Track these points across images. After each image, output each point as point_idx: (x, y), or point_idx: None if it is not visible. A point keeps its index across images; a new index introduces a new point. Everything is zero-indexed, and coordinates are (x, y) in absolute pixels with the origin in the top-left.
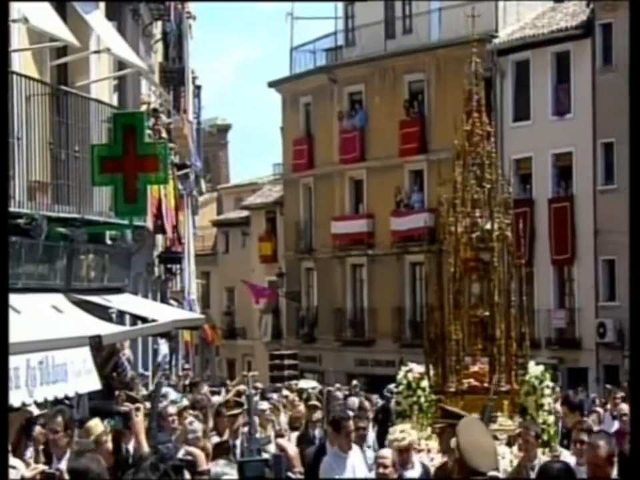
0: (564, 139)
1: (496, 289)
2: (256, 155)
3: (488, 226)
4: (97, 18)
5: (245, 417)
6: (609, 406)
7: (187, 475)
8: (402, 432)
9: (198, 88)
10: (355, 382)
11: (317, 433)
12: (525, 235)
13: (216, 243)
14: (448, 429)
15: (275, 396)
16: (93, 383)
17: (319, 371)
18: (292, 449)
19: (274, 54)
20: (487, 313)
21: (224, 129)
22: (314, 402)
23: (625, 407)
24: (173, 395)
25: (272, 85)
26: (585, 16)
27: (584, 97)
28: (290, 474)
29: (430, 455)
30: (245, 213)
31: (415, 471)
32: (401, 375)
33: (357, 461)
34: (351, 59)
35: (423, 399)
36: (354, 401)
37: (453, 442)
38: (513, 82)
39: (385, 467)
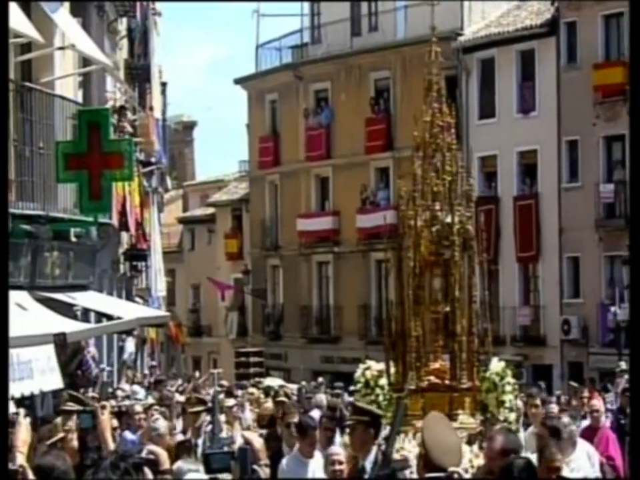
0: (529, 136)
1: (457, 283)
2: (222, 152)
3: (448, 219)
4: (61, 14)
5: (209, 415)
6: (574, 403)
7: (149, 474)
8: None
9: (163, 85)
10: (320, 379)
11: None
12: (488, 230)
13: (182, 240)
14: (358, 426)
15: (240, 393)
16: (55, 381)
17: (284, 368)
18: (257, 441)
19: (240, 51)
20: (448, 309)
21: (190, 126)
22: (282, 398)
23: (596, 403)
24: (140, 393)
25: (238, 82)
26: (550, 14)
27: (548, 95)
28: (255, 467)
29: None
30: (210, 210)
31: None
32: (358, 372)
33: (317, 468)
34: (316, 56)
35: (381, 398)
36: (321, 397)
37: (418, 438)
38: (478, 80)
39: (340, 463)
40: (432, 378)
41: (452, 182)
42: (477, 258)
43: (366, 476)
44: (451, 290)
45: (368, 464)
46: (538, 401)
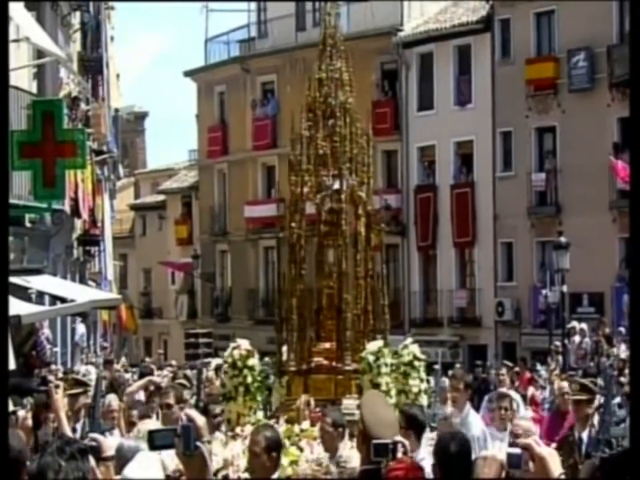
0: (465, 127)
1: (343, 255)
2: (172, 141)
3: (336, 185)
4: (16, 8)
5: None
6: (507, 380)
7: (92, 460)
8: None
9: (116, 76)
10: (267, 359)
11: None
12: (427, 217)
13: (133, 226)
14: None
15: (189, 372)
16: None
17: None
18: (200, 419)
19: (189, 45)
20: (332, 283)
21: (141, 116)
22: (181, 380)
23: (566, 385)
24: (93, 373)
25: (187, 74)
26: (485, 11)
27: (484, 88)
28: (199, 443)
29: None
30: (161, 197)
31: None
32: (227, 352)
33: None
34: (263, 50)
35: (250, 379)
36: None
37: (357, 415)
38: (418, 73)
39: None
40: (320, 359)
41: (342, 145)
42: (375, 227)
43: None
44: (339, 263)
45: None
46: (461, 385)
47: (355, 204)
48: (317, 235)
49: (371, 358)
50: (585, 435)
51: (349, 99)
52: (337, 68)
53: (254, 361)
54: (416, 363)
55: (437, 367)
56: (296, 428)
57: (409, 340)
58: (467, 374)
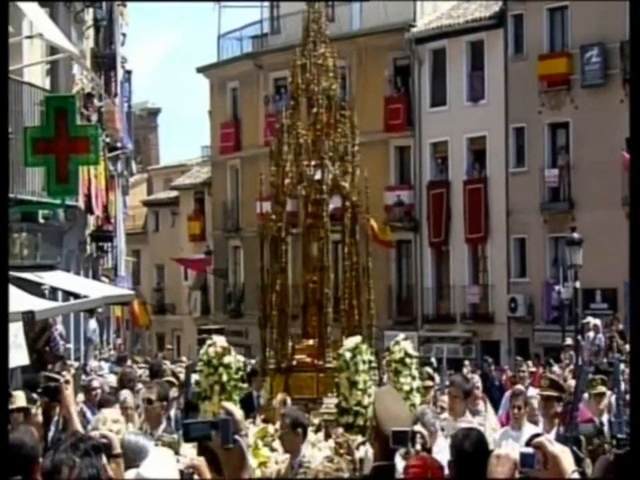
0: (478, 123)
1: (325, 248)
2: (185, 137)
3: (318, 176)
4: (29, 5)
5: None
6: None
7: (103, 458)
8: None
9: (128, 73)
10: None
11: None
12: (439, 213)
13: (146, 222)
14: None
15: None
16: (21, 358)
17: (245, 344)
18: (238, 412)
19: (202, 41)
20: (316, 278)
21: (154, 113)
22: (169, 378)
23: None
24: (105, 369)
25: (200, 70)
26: (498, 7)
27: (497, 84)
28: (237, 437)
29: None
30: (174, 193)
31: None
32: (203, 350)
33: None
34: (276, 45)
35: (225, 378)
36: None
37: (370, 411)
38: (430, 69)
39: None
40: (303, 357)
41: (325, 133)
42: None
43: None
44: (320, 256)
45: None
46: (460, 394)
47: (342, 195)
48: (302, 228)
49: (348, 355)
50: (553, 434)
51: (332, 85)
52: (320, 54)
53: (230, 359)
54: (407, 360)
55: (433, 360)
56: (270, 428)
57: (401, 336)
58: (466, 381)
